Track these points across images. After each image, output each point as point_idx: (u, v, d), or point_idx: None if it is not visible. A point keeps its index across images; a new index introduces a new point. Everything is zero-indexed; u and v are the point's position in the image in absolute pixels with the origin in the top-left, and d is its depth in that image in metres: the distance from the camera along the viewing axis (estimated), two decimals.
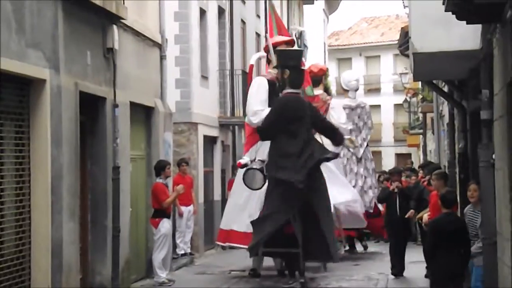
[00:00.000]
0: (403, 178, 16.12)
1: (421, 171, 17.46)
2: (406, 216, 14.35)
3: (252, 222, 13.41)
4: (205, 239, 19.69)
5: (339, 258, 14.26)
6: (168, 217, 14.03)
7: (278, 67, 13.87)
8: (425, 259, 12.78)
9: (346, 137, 15.40)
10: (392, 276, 14.61)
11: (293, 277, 13.63)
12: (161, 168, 14.07)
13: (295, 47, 16.96)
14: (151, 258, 14.21)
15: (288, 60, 13.77)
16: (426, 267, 12.98)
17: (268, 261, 15.26)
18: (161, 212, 13.80)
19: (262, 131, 13.70)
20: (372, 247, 20.33)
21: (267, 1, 27.97)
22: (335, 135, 14.19)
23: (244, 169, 13.65)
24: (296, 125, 13.26)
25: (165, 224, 13.81)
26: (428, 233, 9.84)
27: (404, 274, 14.74)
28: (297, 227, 12.92)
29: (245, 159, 15.07)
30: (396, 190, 14.66)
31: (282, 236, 13.09)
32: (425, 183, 14.83)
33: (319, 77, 18.92)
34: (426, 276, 13.20)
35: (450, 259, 9.07)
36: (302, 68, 14.30)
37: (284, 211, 12.99)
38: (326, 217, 13.27)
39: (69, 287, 10.60)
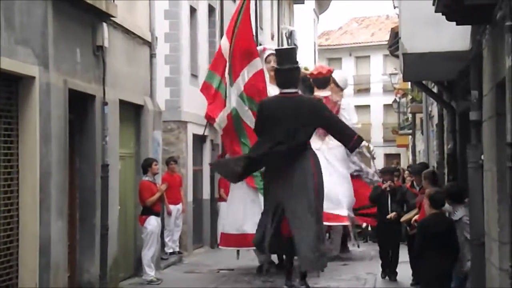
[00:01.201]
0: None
1: (406, 172, 17.34)
2: (388, 217, 13.73)
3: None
4: (194, 237, 19.66)
5: (321, 265, 13.11)
6: (156, 214, 13.98)
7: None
8: (411, 265, 12.82)
9: (363, 144, 14.74)
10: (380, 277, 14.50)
11: (289, 276, 13.18)
12: (147, 165, 14.05)
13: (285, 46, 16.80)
14: (139, 256, 14.20)
15: (281, 59, 13.52)
16: (412, 275, 12.94)
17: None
18: (147, 210, 13.81)
19: (255, 130, 13.65)
20: (361, 246, 20.34)
21: (257, 2, 28.00)
22: (349, 140, 13.25)
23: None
24: (284, 127, 12.86)
25: (152, 222, 13.80)
26: (416, 233, 9.83)
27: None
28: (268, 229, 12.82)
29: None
30: (388, 189, 14.17)
31: (281, 237, 12.82)
32: (408, 184, 14.07)
33: (326, 78, 18.49)
34: (412, 285, 12.95)
35: (438, 259, 9.08)
36: (296, 66, 13.64)
37: (272, 204, 12.82)
38: (303, 218, 12.62)
39: (57, 285, 10.56)
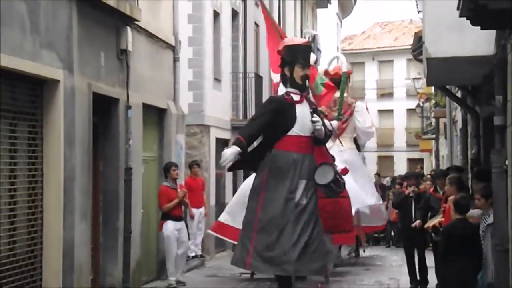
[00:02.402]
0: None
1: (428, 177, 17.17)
2: (413, 226, 13.11)
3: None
4: (216, 241, 19.66)
5: (325, 272, 10.84)
6: (174, 219, 13.74)
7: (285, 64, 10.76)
8: (436, 270, 12.57)
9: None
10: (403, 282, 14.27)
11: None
12: (166, 170, 13.94)
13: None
14: (161, 259, 14.23)
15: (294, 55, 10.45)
16: (437, 285, 12.63)
17: None
18: (165, 215, 13.76)
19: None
20: (383, 251, 20.30)
21: (281, 4, 28.01)
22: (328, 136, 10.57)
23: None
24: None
25: (168, 226, 13.68)
26: (440, 239, 9.78)
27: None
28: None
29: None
30: (411, 195, 13.75)
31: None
32: (431, 189, 13.35)
33: (338, 80, 17.84)
34: None
35: (461, 265, 9.03)
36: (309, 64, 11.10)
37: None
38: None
39: (80, 287, 10.61)
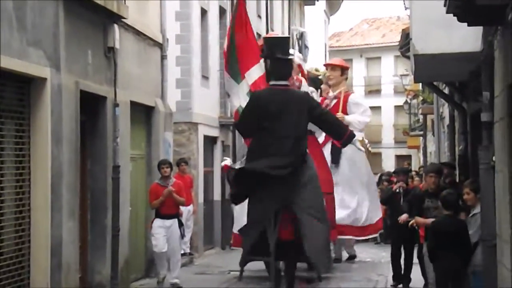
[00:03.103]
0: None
1: (414, 172, 17.12)
2: (400, 221, 12.82)
3: (240, 230, 11.38)
4: (205, 239, 19.68)
5: (327, 268, 11.96)
6: (162, 217, 13.46)
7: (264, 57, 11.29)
8: (421, 269, 12.55)
9: (357, 136, 12.25)
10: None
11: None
12: (158, 167, 13.78)
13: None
14: (150, 257, 14.20)
15: (272, 48, 10.88)
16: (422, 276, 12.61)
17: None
18: (156, 212, 13.63)
19: (238, 127, 11.98)
20: (372, 248, 20.33)
21: (268, 1, 27.99)
22: (341, 133, 11.27)
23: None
24: (276, 122, 10.48)
25: (154, 224, 13.51)
26: (429, 235, 9.80)
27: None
28: (271, 234, 10.31)
29: (227, 160, 14.94)
30: (399, 190, 13.65)
31: (277, 243, 10.47)
32: (421, 185, 13.41)
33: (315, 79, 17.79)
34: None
35: (450, 260, 9.07)
36: (289, 57, 11.25)
37: (262, 216, 10.47)
38: (311, 219, 10.44)
39: (68, 286, 10.59)
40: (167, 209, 13.56)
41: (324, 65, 19.27)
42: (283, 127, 10.45)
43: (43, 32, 10.02)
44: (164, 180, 13.59)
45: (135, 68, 14.05)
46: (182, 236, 14.11)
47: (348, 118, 16.51)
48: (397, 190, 13.84)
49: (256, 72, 14.55)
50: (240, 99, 14.59)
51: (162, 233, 13.41)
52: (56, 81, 10.35)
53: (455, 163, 15.30)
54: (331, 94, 17.53)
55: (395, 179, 14.89)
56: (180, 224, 13.72)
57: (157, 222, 13.49)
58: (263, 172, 10.12)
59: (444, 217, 9.38)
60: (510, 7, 6.94)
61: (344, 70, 17.74)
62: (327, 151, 16.32)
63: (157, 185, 13.63)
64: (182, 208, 16.81)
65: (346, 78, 18.03)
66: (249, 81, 14.57)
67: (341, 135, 11.26)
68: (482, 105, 9.31)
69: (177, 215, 13.80)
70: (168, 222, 13.52)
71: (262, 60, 12.73)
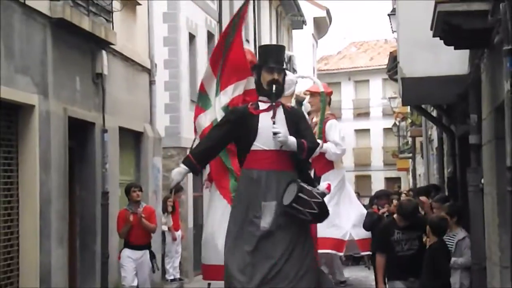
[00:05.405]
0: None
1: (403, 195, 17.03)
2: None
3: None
4: (195, 264, 19.58)
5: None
6: (130, 247, 12.05)
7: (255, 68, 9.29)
8: None
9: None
10: None
11: None
12: (127, 191, 12.22)
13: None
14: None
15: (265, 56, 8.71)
16: None
17: None
18: (125, 242, 12.24)
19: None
20: (362, 271, 20.26)
21: (256, 25, 28.08)
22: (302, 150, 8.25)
23: None
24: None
25: (123, 254, 12.15)
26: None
27: None
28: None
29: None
30: (386, 214, 12.61)
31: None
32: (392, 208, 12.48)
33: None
34: None
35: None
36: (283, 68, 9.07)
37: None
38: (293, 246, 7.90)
39: None
40: (137, 238, 12.07)
41: (304, 92, 19.25)
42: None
43: (31, 59, 10.02)
44: (133, 205, 12.09)
45: (124, 93, 14.05)
46: (153, 270, 12.49)
47: (325, 146, 16.40)
48: (385, 214, 13.61)
49: (238, 89, 14.14)
50: (216, 112, 13.66)
51: (131, 265, 12.03)
52: (44, 107, 10.34)
53: (444, 185, 15.32)
54: (315, 119, 17.42)
55: (375, 205, 14.29)
56: (152, 256, 12.28)
57: (126, 252, 12.09)
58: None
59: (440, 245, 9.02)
60: (496, 30, 6.98)
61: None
62: None
63: (125, 210, 12.14)
64: (177, 233, 16.69)
65: (329, 103, 17.72)
66: (228, 96, 14.06)
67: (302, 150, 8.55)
68: (470, 128, 9.36)
69: (148, 246, 12.29)
70: (138, 254, 12.08)
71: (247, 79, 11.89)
